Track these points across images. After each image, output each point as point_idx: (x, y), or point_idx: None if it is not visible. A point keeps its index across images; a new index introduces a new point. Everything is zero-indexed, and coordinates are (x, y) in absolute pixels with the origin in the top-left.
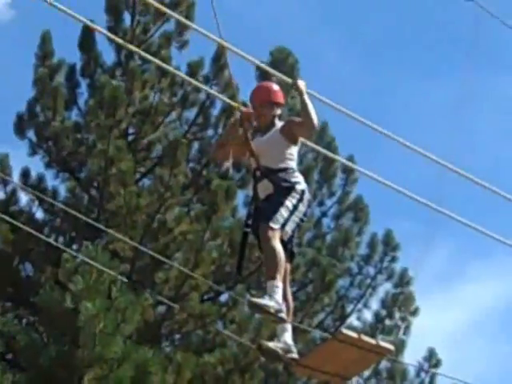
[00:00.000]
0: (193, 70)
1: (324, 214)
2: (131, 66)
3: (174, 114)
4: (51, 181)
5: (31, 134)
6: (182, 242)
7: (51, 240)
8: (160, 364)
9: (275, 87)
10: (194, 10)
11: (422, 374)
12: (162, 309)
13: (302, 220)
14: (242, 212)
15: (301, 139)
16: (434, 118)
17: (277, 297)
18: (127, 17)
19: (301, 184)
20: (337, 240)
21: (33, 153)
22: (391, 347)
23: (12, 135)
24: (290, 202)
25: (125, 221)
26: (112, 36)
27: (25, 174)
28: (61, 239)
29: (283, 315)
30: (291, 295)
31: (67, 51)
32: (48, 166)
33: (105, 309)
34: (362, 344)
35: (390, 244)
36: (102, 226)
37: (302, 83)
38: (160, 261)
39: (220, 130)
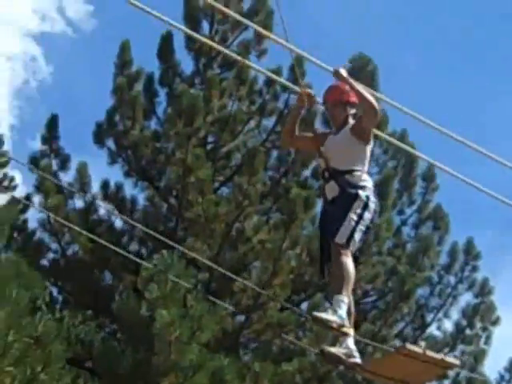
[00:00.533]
0: (271, 78)
1: (404, 223)
2: (209, 75)
3: (252, 123)
4: (130, 190)
5: (110, 142)
6: (260, 251)
7: (125, 252)
8: (237, 372)
9: (347, 86)
10: (272, 18)
11: None
12: (240, 317)
13: (368, 227)
14: None
15: (372, 135)
16: None
17: (341, 311)
18: (205, 26)
19: (366, 189)
20: (417, 249)
21: (112, 162)
22: (457, 362)
23: (91, 144)
24: (354, 214)
25: (203, 229)
26: (211, 42)
27: (104, 183)
28: (141, 249)
29: (346, 329)
30: (353, 301)
31: (146, 60)
32: (127, 174)
33: (180, 317)
34: (427, 358)
35: (471, 253)
36: (167, 240)
37: (343, 70)
38: (238, 269)
39: None
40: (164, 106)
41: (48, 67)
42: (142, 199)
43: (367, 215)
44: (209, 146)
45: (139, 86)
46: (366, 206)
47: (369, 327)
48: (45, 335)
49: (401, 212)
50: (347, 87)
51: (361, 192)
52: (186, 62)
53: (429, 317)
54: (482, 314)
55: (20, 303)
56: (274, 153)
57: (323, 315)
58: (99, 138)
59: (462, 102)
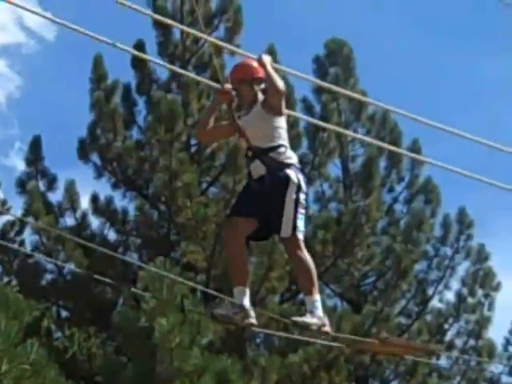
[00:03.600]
0: None
1: (395, 200)
2: (185, 79)
3: None
4: (119, 201)
5: (95, 157)
6: (254, 247)
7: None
8: (242, 370)
9: (253, 63)
10: (242, 14)
11: (510, 348)
12: None
13: (306, 207)
14: None
15: (285, 110)
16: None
17: (318, 312)
18: (176, 30)
19: (292, 167)
20: (410, 224)
21: (98, 176)
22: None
23: (76, 160)
24: (290, 201)
25: (195, 232)
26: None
27: (94, 197)
28: (135, 257)
29: (327, 328)
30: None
31: (121, 71)
32: (115, 186)
33: (179, 323)
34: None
35: (464, 222)
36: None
37: (266, 57)
38: None
39: None
40: (144, 114)
41: (15, 80)
42: (132, 209)
43: (302, 196)
44: (192, 149)
45: (117, 98)
46: (299, 188)
47: (370, 308)
48: (38, 362)
49: (391, 189)
50: (253, 63)
51: (290, 173)
52: (160, 69)
53: (430, 290)
54: (481, 281)
55: (11, 332)
56: None
57: (304, 320)
58: (83, 153)
59: None
